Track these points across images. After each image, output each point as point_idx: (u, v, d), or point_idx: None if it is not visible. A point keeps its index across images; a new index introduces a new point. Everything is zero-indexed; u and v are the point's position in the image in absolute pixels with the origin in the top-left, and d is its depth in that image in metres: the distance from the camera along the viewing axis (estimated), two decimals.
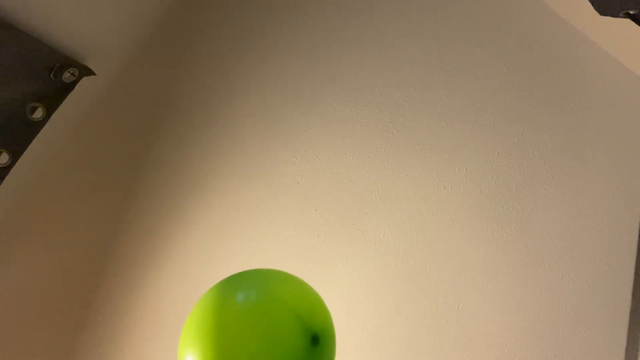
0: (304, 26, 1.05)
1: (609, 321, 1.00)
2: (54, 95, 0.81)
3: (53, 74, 0.78)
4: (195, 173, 1.04)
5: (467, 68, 1.03)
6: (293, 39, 1.05)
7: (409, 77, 1.04)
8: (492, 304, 1.01)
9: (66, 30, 0.78)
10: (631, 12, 0.71)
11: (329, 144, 1.04)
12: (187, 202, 1.04)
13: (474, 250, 1.02)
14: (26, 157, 0.82)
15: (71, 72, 0.81)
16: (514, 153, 1.02)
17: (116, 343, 1.02)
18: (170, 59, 1.04)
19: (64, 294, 1.00)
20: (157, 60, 1.03)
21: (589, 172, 1.02)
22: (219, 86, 1.04)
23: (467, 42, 1.03)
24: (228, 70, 1.05)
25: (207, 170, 1.04)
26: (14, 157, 0.79)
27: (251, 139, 1.04)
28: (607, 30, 0.95)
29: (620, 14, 0.73)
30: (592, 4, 0.77)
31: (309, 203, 1.03)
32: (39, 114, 0.80)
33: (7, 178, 0.80)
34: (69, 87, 0.82)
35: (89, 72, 0.84)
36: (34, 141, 0.81)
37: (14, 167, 0.80)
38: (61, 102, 0.82)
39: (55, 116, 0.82)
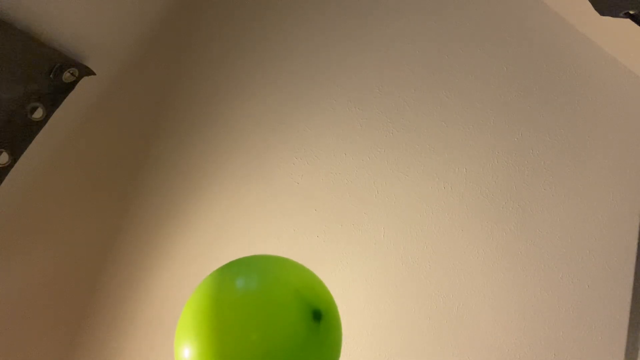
0: (304, 26, 1.05)
1: (609, 321, 1.00)
2: (54, 95, 0.81)
3: (53, 74, 0.78)
4: (195, 173, 1.04)
5: (467, 68, 1.03)
6: (293, 40, 1.05)
7: (409, 77, 1.04)
8: (492, 303, 1.01)
9: (66, 30, 0.78)
10: (631, 12, 0.71)
11: (329, 144, 1.04)
12: (187, 202, 1.04)
13: (473, 250, 1.02)
14: (26, 157, 0.82)
15: (71, 72, 0.81)
16: (514, 153, 1.02)
17: (116, 343, 1.02)
18: (171, 59, 1.04)
19: (64, 294, 1.00)
20: (157, 60, 1.03)
21: (589, 172, 1.02)
22: (219, 86, 1.04)
23: (467, 43, 1.03)
24: (228, 70, 1.05)
25: (207, 170, 1.04)
26: (14, 157, 0.79)
27: (251, 139, 1.04)
28: (607, 30, 0.95)
29: (620, 14, 0.73)
30: (592, 4, 0.77)
31: (309, 203, 1.03)
32: (39, 114, 0.80)
33: (7, 178, 0.80)
34: (69, 87, 0.82)
35: (89, 72, 0.84)
36: (34, 141, 0.81)
37: (14, 167, 0.80)
38: (61, 102, 0.82)
39: (55, 116, 0.82)
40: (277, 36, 1.05)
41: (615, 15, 0.74)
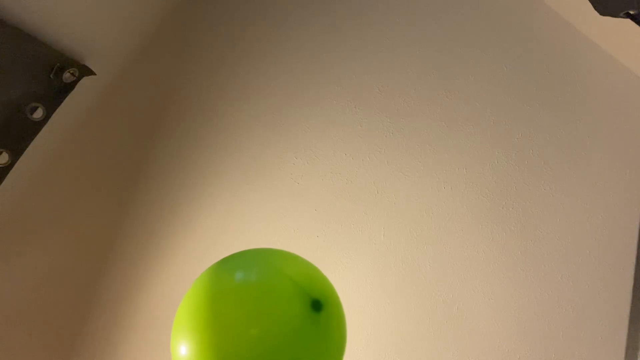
0: (304, 27, 1.05)
1: (609, 321, 1.00)
2: (54, 95, 0.81)
3: (53, 74, 0.78)
4: (195, 173, 1.04)
5: (467, 69, 1.03)
6: (294, 41, 1.05)
7: (409, 78, 1.04)
8: (491, 303, 1.01)
9: (66, 30, 0.78)
10: (631, 12, 0.71)
11: (329, 144, 1.04)
12: (187, 201, 1.04)
13: (473, 250, 1.02)
14: (26, 157, 0.81)
15: (71, 72, 0.81)
16: (514, 153, 1.02)
17: (115, 342, 1.02)
18: (171, 59, 1.04)
19: (63, 293, 1.00)
20: (157, 60, 1.03)
21: (588, 172, 1.02)
22: (219, 86, 1.04)
23: (466, 43, 1.03)
24: (228, 70, 1.05)
25: (207, 170, 1.04)
26: (14, 157, 0.79)
27: (251, 139, 1.04)
28: (607, 30, 0.95)
29: (620, 14, 0.73)
30: (592, 4, 0.77)
31: (309, 203, 1.03)
32: (39, 114, 0.80)
33: (7, 178, 0.80)
34: (69, 87, 0.82)
35: (89, 72, 0.84)
36: (34, 141, 0.81)
37: (14, 167, 0.80)
38: (61, 102, 0.82)
39: (55, 116, 0.82)
40: (277, 37, 1.05)
41: (615, 15, 0.74)
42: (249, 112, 1.04)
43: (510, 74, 1.03)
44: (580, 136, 1.02)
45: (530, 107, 1.02)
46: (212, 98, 1.04)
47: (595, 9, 0.78)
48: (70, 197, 0.99)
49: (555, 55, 1.02)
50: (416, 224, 1.03)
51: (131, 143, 1.03)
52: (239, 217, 1.04)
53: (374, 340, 1.02)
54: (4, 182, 0.80)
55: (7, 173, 0.80)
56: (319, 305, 0.56)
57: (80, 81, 0.83)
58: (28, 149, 0.81)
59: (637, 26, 0.74)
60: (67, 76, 0.80)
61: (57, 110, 0.82)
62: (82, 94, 0.87)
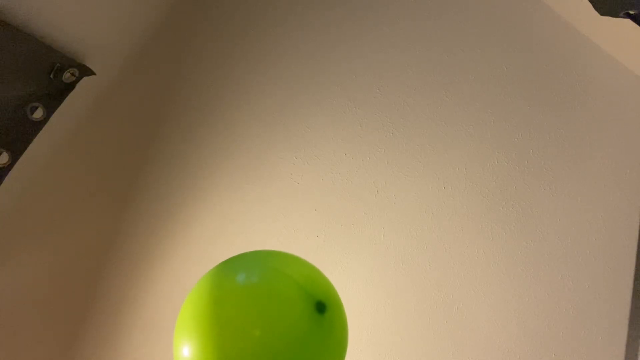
0: (304, 28, 1.05)
1: (609, 321, 1.00)
2: (54, 95, 0.81)
3: (53, 74, 0.78)
4: (195, 173, 1.04)
5: (467, 69, 1.03)
6: (294, 41, 1.05)
7: (409, 78, 1.04)
8: (492, 303, 1.01)
9: (66, 30, 0.78)
10: (631, 12, 0.71)
11: (329, 144, 1.04)
12: (187, 201, 1.04)
13: (473, 250, 1.02)
14: (26, 157, 0.81)
15: (71, 72, 0.81)
16: (514, 153, 1.02)
17: (115, 342, 1.02)
18: (171, 60, 1.04)
19: (63, 293, 1.00)
20: (157, 61, 1.03)
21: (589, 172, 1.02)
22: (219, 86, 1.04)
23: (466, 43, 1.03)
24: (228, 70, 1.05)
25: (207, 170, 1.04)
26: (14, 157, 0.79)
27: (251, 140, 1.04)
28: (607, 30, 0.95)
29: (620, 14, 0.73)
30: (592, 4, 0.77)
31: (309, 203, 1.03)
32: (39, 114, 0.80)
33: (7, 178, 0.80)
34: (69, 87, 0.82)
35: (89, 72, 0.84)
36: (34, 141, 0.81)
37: (14, 167, 0.80)
38: (61, 102, 0.82)
39: (55, 116, 0.82)
40: (277, 37, 1.05)
41: (615, 15, 0.74)
42: (249, 112, 1.04)
43: (510, 74, 1.03)
44: (580, 136, 1.02)
45: (530, 107, 1.02)
46: (212, 98, 1.04)
47: (595, 9, 0.78)
48: (71, 197, 0.99)
49: (555, 55, 1.02)
50: (416, 224, 1.02)
51: (131, 143, 1.03)
52: (239, 217, 1.04)
53: (374, 340, 1.02)
54: (4, 182, 0.80)
55: (7, 173, 0.80)
56: (323, 307, 0.56)
57: (80, 81, 0.83)
58: (28, 149, 0.81)
59: (637, 26, 0.74)
60: (67, 76, 0.80)
61: (57, 110, 0.82)
62: (82, 94, 0.87)
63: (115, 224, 1.02)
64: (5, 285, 0.94)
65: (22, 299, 0.97)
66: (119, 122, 1.01)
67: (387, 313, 1.02)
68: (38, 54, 0.75)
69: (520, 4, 1.02)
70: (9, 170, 0.80)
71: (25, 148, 0.81)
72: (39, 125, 0.81)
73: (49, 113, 0.81)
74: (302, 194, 1.04)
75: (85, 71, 0.83)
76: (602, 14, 0.77)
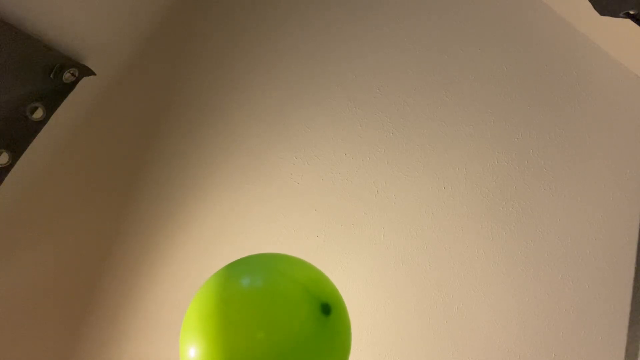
0: (305, 27, 1.05)
1: (609, 321, 1.00)
2: (54, 95, 0.81)
3: (53, 74, 0.78)
4: (195, 173, 1.04)
5: (467, 68, 1.03)
6: (294, 40, 1.05)
7: (409, 78, 1.04)
8: (491, 303, 1.01)
9: (66, 30, 0.78)
10: (631, 12, 0.71)
11: (329, 144, 1.04)
12: (187, 202, 1.04)
13: (474, 250, 1.02)
14: (26, 157, 0.81)
15: (71, 72, 0.80)
16: (514, 153, 1.02)
17: (115, 342, 1.02)
18: (171, 59, 1.04)
19: (63, 293, 1.00)
20: (157, 60, 1.03)
21: (589, 172, 1.02)
22: (219, 86, 1.04)
23: (466, 43, 1.03)
24: (228, 70, 1.05)
25: (207, 170, 1.04)
26: (14, 157, 0.79)
27: (251, 140, 1.04)
28: (607, 30, 0.95)
29: (620, 14, 0.73)
30: (592, 4, 0.77)
31: (309, 203, 1.03)
32: (39, 114, 0.80)
33: (7, 178, 0.80)
34: (69, 87, 0.82)
35: (89, 72, 0.84)
36: (34, 141, 0.81)
37: (14, 167, 0.80)
38: (61, 102, 0.82)
39: (55, 116, 0.82)
40: (277, 37, 1.05)
41: (615, 15, 0.74)
42: (249, 112, 1.04)
43: (510, 74, 1.03)
44: (580, 136, 1.02)
45: (530, 107, 1.02)
46: (212, 98, 1.04)
47: (595, 9, 0.78)
48: (71, 197, 0.99)
49: (555, 55, 1.02)
50: (416, 224, 1.03)
51: (131, 143, 1.03)
52: (239, 217, 1.04)
53: (374, 340, 1.02)
54: (4, 182, 0.80)
55: (7, 173, 0.80)
56: (328, 309, 0.57)
57: (80, 81, 0.83)
58: (28, 149, 0.81)
59: (637, 26, 0.74)
60: (67, 76, 0.80)
61: (57, 110, 0.82)
62: (82, 94, 0.87)
63: (115, 224, 1.02)
64: (5, 285, 0.94)
65: (22, 298, 0.97)
66: (119, 122, 1.01)
67: (387, 313, 1.02)
68: (38, 54, 0.74)
69: (520, 3, 1.02)
70: (9, 170, 0.80)
71: (25, 148, 0.80)
72: (39, 125, 0.81)
73: (49, 113, 0.81)
74: (302, 194, 1.04)
75: (85, 71, 0.83)
76: (602, 14, 0.77)
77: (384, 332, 1.02)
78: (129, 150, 1.03)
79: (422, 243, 1.02)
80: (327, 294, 0.59)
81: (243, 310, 0.56)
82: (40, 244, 0.97)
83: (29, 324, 0.98)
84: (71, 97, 0.83)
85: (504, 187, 1.02)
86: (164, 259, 1.03)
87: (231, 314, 0.55)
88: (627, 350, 0.99)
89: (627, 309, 1.00)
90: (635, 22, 0.73)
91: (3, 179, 0.80)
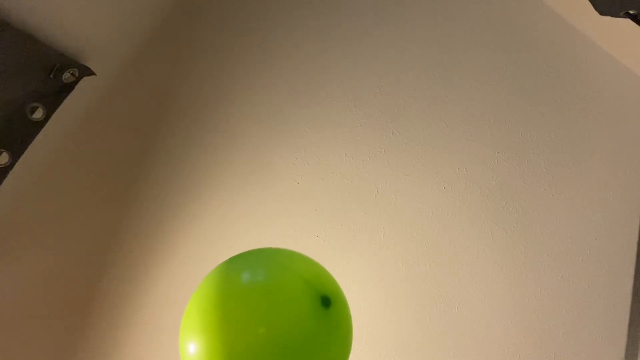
0: (305, 28, 1.05)
1: (609, 321, 1.00)
2: (54, 95, 0.81)
3: (53, 74, 0.78)
4: (195, 174, 1.04)
5: (467, 69, 1.03)
6: (294, 41, 1.05)
7: (409, 78, 1.04)
8: (492, 303, 1.01)
9: (66, 30, 0.78)
10: (631, 12, 0.71)
11: (329, 144, 1.04)
12: (187, 202, 1.04)
13: (474, 250, 1.02)
14: (26, 157, 0.81)
15: (71, 72, 0.80)
16: (514, 153, 1.02)
17: (115, 342, 1.02)
18: (171, 60, 1.04)
19: (63, 293, 1.00)
20: (157, 60, 1.03)
21: (588, 172, 1.02)
22: (219, 87, 1.04)
23: (467, 43, 1.03)
24: (228, 71, 1.05)
25: (207, 171, 1.04)
26: (14, 157, 0.79)
27: (252, 140, 1.04)
28: (607, 30, 0.95)
29: (620, 14, 0.73)
30: (592, 4, 0.77)
31: (309, 203, 1.03)
32: (39, 114, 0.80)
33: (7, 178, 0.80)
34: (69, 87, 0.82)
35: (89, 72, 0.84)
36: (34, 141, 0.81)
37: (14, 167, 0.80)
38: (61, 102, 0.82)
39: (55, 116, 0.82)
40: (277, 37, 1.05)
41: (615, 15, 0.74)
42: (249, 112, 1.04)
43: (510, 74, 1.03)
44: (580, 136, 1.02)
45: (530, 107, 1.02)
46: (212, 99, 1.04)
47: (595, 9, 0.78)
48: (71, 197, 0.99)
49: (555, 55, 1.02)
50: (416, 224, 1.02)
51: (131, 143, 1.03)
52: (239, 218, 1.04)
53: (374, 340, 1.02)
54: (4, 182, 0.80)
55: (7, 173, 0.80)
56: (328, 301, 0.56)
57: (80, 81, 0.83)
58: (28, 149, 0.81)
59: (637, 26, 0.74)
60: (67, 76, 0.80)
61: (57, 110, 0.82)
62: (82, 94, 0.87)
63: (115, 224, 1.02)
64: (5, 285, 0.94)
65: (21, 298, 0.97)
66: (119, 122, 1.01)
67: (387, 313, 1.02)
68: (38, 54, 0.74)
69: (520, 4, 1.02)
70: (9, 170, 0.80)
71: (25, 148, 0.80)
72: (39, 125, 0.81)
73: (49, 113, 0.81)
74: (302, 194, 1.04)
75: (85, 71, 0.83)
76: (602, 14, 0.77)
77: (384, 332, 1.02)
78: (128, 150, 1.03)
79: (422, 243, 1.02)
80: (326, 286, 0.59)
81: (242, 304, 0.55)
82: (40, 244, 0.97)
83: (28, 324, 0.98)
84: (71, 97, 0.83)
85: (504, 187, 1.02)
86: (164, 259, 1.03)
87: (231, 309, 0.55)
88: (627, 350, 0.99)
89: (627, 309, 1.00)
90: (635, 22, 0.73)
91: (3, 179, 0.80)
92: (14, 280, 0.95)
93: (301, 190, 1.04)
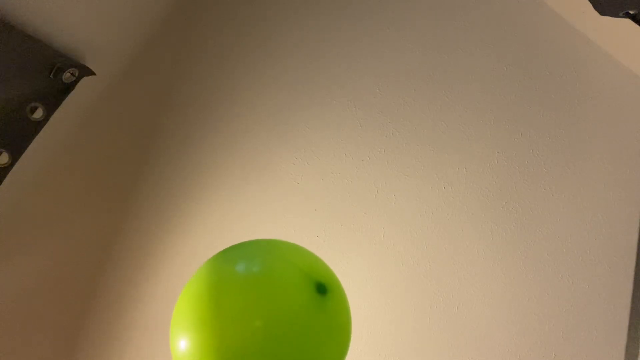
0: (305, 28, 1.05)
1: (609, 321, 1.00)
2: (54, 95, 0.81)
3: (53, 74, 0.78)
4: (195, 173, 1.04)
5: (466, 69, 1.03)
6: (294, 41, 1.05)
7: (409, 78, 1.04)
8: (491, 303, 1.01)
9: (66, 30, 0.78)
10: (631, 12, 0.71)
11: (329, 144, 1.04)
12: (187, 202, 1.04)
13: (473, 250, 1.02)
14: (26, 157, 0.81)
15: (71, 72, 0.81)
16: (514, 153, 1.02)
17: (115, 342, 1.02)
18: (171, 60, 1.04)
19: (63, 293, 1.00)
20: (157, 60, 1.03)
21: (588, 172, 1.02)
22: (219, 87, 1.04)
23: (466, 43, 1.03)
24: (228, 71, 1.05)
25: (207, 170, 1.04)
26: (14, 157, 0.79)
27: (251, 140, 1.04)
28: (607, 30, 0.95)
29: (620, 14, 0.73)
30: (592, 4, 0.77)
31: (309, 203, 1.03)
32: (39, 114, 0.80)
33: (7, 178, 0.80)
34: (69, 87, 0.82)
35: (89, 72, 0.84)
36: (34, 141, 0.81)
37: (14, 167, 0.80)
38: (61, 102, 0.82)
39: (55, 116, 0.82)
40: (277, 37, 1.05)
41: (615, 15, 0.74)
42: (249, 112, 1.04)
43: (510, 74, 1.03)
44: (580, 136, 1.02)
45: (530, 107, 1.02)
46: (212, 99, 1.04)
47: (595, 9, 0.78)
48: (70, 196, 0.99)
49: (555, 55, 1.02)
50: (416, 224, 1.02)
51: (131, 143, 1.03)
52: (239, 218, 1.04)
53: (374, 340, 1.02)
54: (4, 182, 0.80)
55: (7, 173, 0.80)
56: (324, 288, 0.55)
57: (80, 81, 0.83)
58: (28, 149, 0.81)
59: (637, 26, 0.74)
60: (67, 76, 0.80)
61: (57, 110, 0.82)
62: (82, 94, 0.87)
63: (115, 223, 1.02)
64: (4, 285, 0.94)
65: (21, 298, 0.97)
66: (118, 122, 1.01)
67: (386, 313, 1.02)
68: (38, 54, 0.74)
69: (520, 4, 1.03)
70: (9, 170, 0.80)
71: (25, 148, 0.80)
72: (39, 125, 0.81)
73: (49, 113, 0.81)
74: (302, 194, 1.04)
75: (85, 71, 0.83)
76: (602, 14, 0.77)
77: (383, 332, 1.02)
78: (128, 150, 1.03)
79: (422, 243, 1.02)
80: (322, 273, 0.57)
81: (236, 294, 0.54)
82: (40, 244, 0.97)
83: (28, 324, 0.98)
84: (71, 97, 0.83)
85: (504, 187, 1.02)
86: (164, 259, 1.03)
87: (224, 299, 0.53)
88: (627, 350, 0.99)
89: (627, 309, 1.00)
90: (635, 22, 0.73)
91: (3, 179, 0.80)
92: (14, 280, 0.95)
93: (301, 190, 1.04)
